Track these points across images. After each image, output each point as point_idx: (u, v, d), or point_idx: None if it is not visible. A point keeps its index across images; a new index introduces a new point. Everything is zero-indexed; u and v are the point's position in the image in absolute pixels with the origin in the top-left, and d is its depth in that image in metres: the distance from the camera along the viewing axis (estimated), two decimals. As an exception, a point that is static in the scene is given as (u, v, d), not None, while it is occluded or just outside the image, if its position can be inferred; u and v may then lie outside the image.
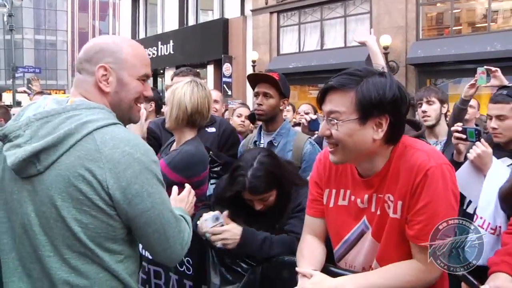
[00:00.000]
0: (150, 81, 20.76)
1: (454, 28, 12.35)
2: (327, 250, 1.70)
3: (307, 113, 4.33)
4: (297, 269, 1.59)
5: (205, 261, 2.07)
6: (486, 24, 11.71)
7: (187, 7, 18.01)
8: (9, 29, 20.85)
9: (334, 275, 1.53)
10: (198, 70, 3.84)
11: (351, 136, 1.43)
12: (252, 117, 3.63)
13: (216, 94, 3.92)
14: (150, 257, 2.31)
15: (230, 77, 15.08)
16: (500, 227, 2.13)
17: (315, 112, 4.38)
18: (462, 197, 2.25)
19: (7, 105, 8.00)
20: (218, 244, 1.94)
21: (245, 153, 2.25)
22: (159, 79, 20.31)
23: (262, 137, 2.78)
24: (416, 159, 1.44)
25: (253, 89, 2.74)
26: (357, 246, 1.60)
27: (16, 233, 1.34)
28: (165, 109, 2.34)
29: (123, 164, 1.28)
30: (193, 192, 1.91)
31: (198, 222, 2.00)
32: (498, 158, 2.33)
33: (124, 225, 1.35)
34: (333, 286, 1.47)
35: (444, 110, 3.18)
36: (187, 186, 1.93)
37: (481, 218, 2.14)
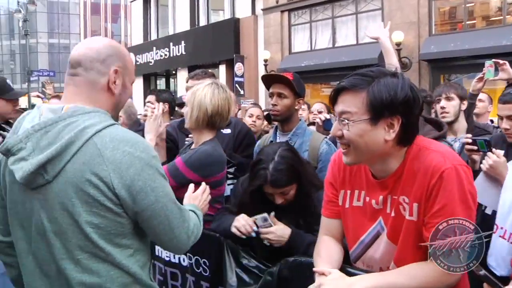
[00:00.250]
0: (163, 82, 20.96)
1: (467, 22, 12.14)
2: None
3: (320, 112, 4.33)
4: (314, 269, 1.59)
5: (222, 262, 2.09)
6: (501, 17, 11.46)
7: (198, 8, 18.06)
8: (24, 34, 21.15)
9: (351, 275, 1.52)
10: (211, 71, 3.86)
11: (362, 137, 1.43)
12: (268, 117, 3.63)
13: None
14: (167, 259, 2.34)
15: (242, 76, 15.07)
16: None
17: (328, 111, 4.37)
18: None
19: (22, 108, 8.09)
20: (266, 243, 2.04)
21: (264, 147, 2.28)
22: (171, 80, 20.41)
23: (278, 138, 2.78)
24: (431, 161, 1.42)
25: (268, 89, 2.75)
26: (373, 246, 1.60)
27: (32, 238, 1.40)
28: (185, 110, 2.38)
29: (125, 163, 1.33)
30: (208, 190, 1.94)
31: (236, 224, 2.07)
32: None
33: (131, 220, 1.40)
34: (352, 282, 1.46)
35: (463, 107, 3.12)
36: (203, 184, 1.96)
37: (501, 228, 2.03)
